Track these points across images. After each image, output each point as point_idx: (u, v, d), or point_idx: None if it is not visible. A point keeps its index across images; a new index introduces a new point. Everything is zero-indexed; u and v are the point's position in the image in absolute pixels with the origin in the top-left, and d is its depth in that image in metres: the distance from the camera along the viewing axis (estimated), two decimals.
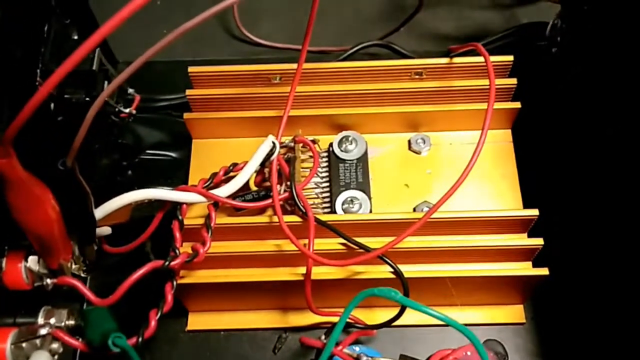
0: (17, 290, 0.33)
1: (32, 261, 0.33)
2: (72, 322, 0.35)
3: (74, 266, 0.35)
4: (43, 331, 0.33)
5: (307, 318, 0.41)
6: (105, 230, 0.39)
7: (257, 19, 0.56)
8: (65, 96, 0.39)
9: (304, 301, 0.38)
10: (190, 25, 0.30)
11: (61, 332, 0.33)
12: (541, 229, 0.39)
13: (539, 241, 0.38)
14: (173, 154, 0.47)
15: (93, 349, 0.33)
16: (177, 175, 0.45)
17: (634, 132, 0.35)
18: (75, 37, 0.43)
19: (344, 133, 0.43)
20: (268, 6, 0.57)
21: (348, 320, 0.39)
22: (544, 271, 0.37)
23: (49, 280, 0.34)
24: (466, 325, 0.39)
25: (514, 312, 0.42)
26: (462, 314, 0.41)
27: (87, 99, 0.40)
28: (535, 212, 0.38)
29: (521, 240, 0.39)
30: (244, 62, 0.48)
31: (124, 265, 0.40)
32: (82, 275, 0.37)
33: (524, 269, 0.39)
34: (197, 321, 0.42)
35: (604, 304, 0.40)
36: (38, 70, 0.37)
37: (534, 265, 0.40)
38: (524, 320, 0.42)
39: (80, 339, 0.34)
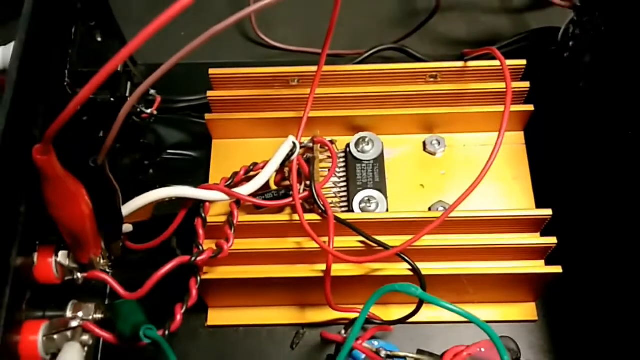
0: (46, 284, 0.34)
1: (62, 256, 0.34)
2: (99, 315, 0.36)
3: (102, 261, 0.36)
4: (74, 323, 0.34)
5: (325, 314, 0.42)
6: (127, 227, 0.40)
7: (273, 23, 0.57)
8: (91, 96, 0.40)
9: (321, 297, 0.39)
10: (219, 28, 0.31)
11: (92, 325, 0.34)
12: (553, 229, 0.40)
13: (552, 240, 0.38)
14: (193, 154, 0.48)
15: (123, 341, 0.34)
16: (197, 174, 0.46)
17: None
18: (99, 39, 0.44)
19: (361, 134, 0.44)
20: (283, 10, 0.58)
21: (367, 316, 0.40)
22: (557, 269, 0.38)
23: (79, 275, 0.35)
24: None
25: (527, 310, 0.43)
26: (475, 311, 0.40)
27: (112, 99, 0.41)
28: (548, 212, 0.39)
29: (534, 239, 0.40)
30: (260, 64, 0.49)
31: (144, 262, 0.41)
32: (107, 270, 0.38)
33: (538, 267, 0.40)
34: (217, 317, 0.43)
35: (616, 301, 0.41)
36: (66, 71, 0.38)
37: (547, 264, 0.41)
38: (536, 318, 0.43)
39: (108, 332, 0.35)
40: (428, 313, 0.41)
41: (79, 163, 0.32)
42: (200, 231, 0.38)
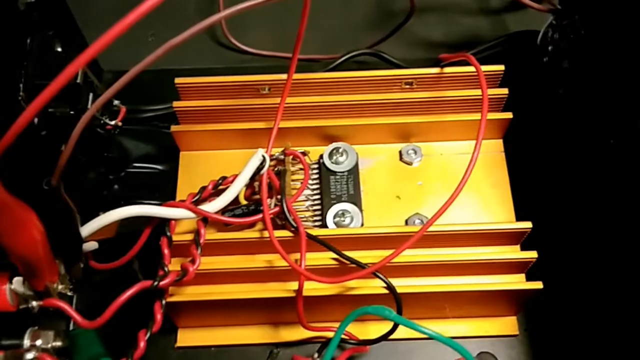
0: (1, 312, 0.32)
1: (17, 283, 0.32)
2: (59, 343, 0.34)
3: (60, 286, 0.34)
4: (29, 355, 0.32)
5: (299, 333, 0.40)
6: (91, 245, 0.38)
7: (245, 27, 0.55)
8: (49, 110, 0.38)
9: (295, 316, 0.38)
10: (180, 39, 0.29)
11: (48, 357, 0.32)
12: (533, 240, 0.39)
13: (532, 254, 0.37)
14: (160, 167, 0.46)
15: None
16: (165, 188, 0.44)
17: (628, 141, 0.35)
18: (59, 49, 0.42)
19: (335, 144, 0.43)
20: (255, 14, 0.56)
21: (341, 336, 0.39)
22: (538, 285, 0.37)
23: (34, 303, 0.33)
24: (459, 337, 0.40)
25: (507, 324, 0.41)
26: (455, 327, 0.41)
27: (72, 112, 0.39)
28: (528, 224, 0.38)
29: (514, 253, 0.38)
30: (231, 70, 0.48)
31: (111, 281, 0.39)
32: (69, 294, 0.36)
33: (517, 282, 0.39)
34: (187, 337, 0.42)
35: (597, 315, 0.40)
36: (21, 85, 0.36)
37: (527, 277, 0.39)
38: (517, 332, 0.41)
39: None
40: (408, 330, 0.40)
41: (30, 185, 0.30)
42: (166, 251, 0.37)
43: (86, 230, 0.35)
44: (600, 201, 0.39)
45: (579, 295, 0.41)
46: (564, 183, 0.43)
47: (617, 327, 0.38)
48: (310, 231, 0.37)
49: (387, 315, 0.31)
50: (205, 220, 0.38)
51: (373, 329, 0.40)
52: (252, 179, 0.39)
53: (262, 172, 0.39)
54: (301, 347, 0.41)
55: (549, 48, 0.43)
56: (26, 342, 0.33)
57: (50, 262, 0.32)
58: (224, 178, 0.40)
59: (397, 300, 0.36)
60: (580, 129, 0.40)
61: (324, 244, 0.37)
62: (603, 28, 0.38)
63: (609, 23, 0.37)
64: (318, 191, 0.41)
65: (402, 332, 0.38)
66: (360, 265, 0.36)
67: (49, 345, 0.34)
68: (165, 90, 0.45)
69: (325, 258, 0.38)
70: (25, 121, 0.24)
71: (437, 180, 0.43)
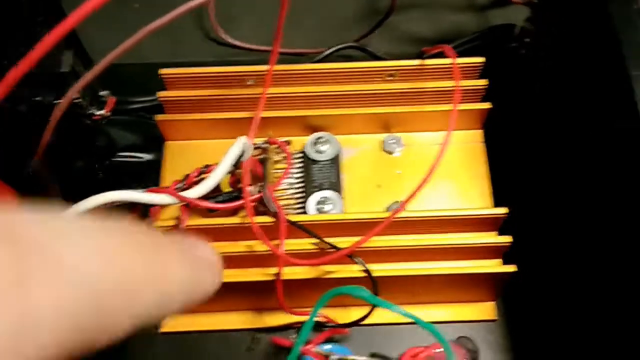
0: None
1: None
2: None
3: None
4: None
5: (281, 318, 0.41)
6: None
7: (234, 21, 0.56)
8: (37, 99, 0.39)
9: (277, 302, 0.38)
10: (157, 24, 0.30)
11: None
12: (512, 227, 0.39)
13: (507, 239, 0.38)
14: (146, 156, 0.47)
15: None
16: (150, 177, 0.45)
17: (603, 131, 0.36)
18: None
19: (318, 134, 0.43)
20: (244, 8, 0.57)
21: (320, 319, 0.40)
22: (512, 268, 0.38)
23: None
24: (438, 322, 0.40)
25: (486, 309, 0.42)
26: (434, 312, 0.42)
27: (57, 101, 0.40)
28: (504, 210, 0.38)
29: (489, 237, 0.39)
30: (220, 64, 0.48)
31: None
32: None
33: (492, 266, 0.39)
34: (172, 323, 0.42)
35: (574, 299, 0.40)
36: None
37: (505, 263, 0.40)
38: (495, 317, 0.42)
39: None
40: (385, 314, 0.40)
41: (15, 169, 0.31)
42: None
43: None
44: (578, 189, 0.39)
45: (555, 280, 0.41)
46: (543, 172, 0.43)
47: (594, 310, 0.38)
48: (290, 217, 0.38)
49: (360, 295, 0.31)
50: (188, 206, 0.38)
51: (356, 314, 0.41)
52: (236, 166, 0.40)
53: (244, 159, 0.40)
54: (283, 332, 0.42)
55: (526, 41, 0.44)
56: None
57: None
58: (207, 166, 0.41)
59: (373, 283, 0.37)
60: (556, 119, 0.41)
61: (303, 228, 0.38)
62: (577, 22, 0.39)
63: (583, 16, 0.38)
64: (301, 180, 0.42)
65: (382, 317, 0.39)
66: (336, 249, 0.37)
67: None
68: (152, 83, 0.46)
69: (305, 243, 0.38)
70: None
71: (417, 169, 0.44)
